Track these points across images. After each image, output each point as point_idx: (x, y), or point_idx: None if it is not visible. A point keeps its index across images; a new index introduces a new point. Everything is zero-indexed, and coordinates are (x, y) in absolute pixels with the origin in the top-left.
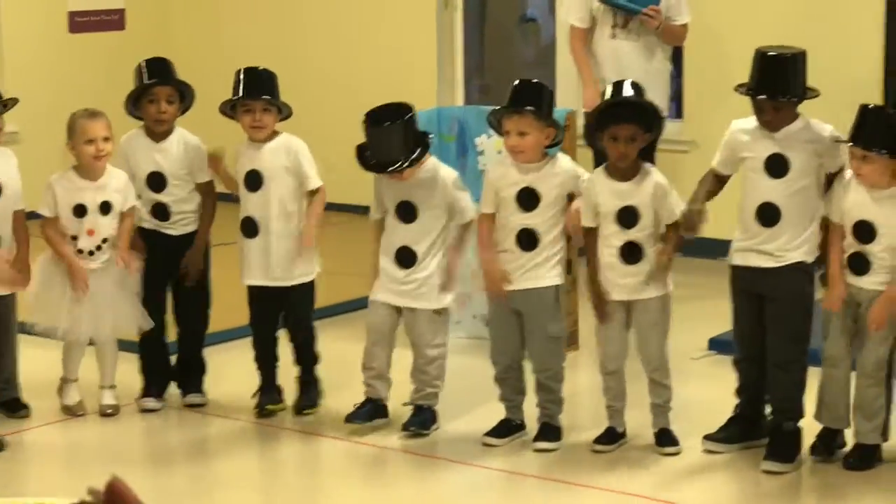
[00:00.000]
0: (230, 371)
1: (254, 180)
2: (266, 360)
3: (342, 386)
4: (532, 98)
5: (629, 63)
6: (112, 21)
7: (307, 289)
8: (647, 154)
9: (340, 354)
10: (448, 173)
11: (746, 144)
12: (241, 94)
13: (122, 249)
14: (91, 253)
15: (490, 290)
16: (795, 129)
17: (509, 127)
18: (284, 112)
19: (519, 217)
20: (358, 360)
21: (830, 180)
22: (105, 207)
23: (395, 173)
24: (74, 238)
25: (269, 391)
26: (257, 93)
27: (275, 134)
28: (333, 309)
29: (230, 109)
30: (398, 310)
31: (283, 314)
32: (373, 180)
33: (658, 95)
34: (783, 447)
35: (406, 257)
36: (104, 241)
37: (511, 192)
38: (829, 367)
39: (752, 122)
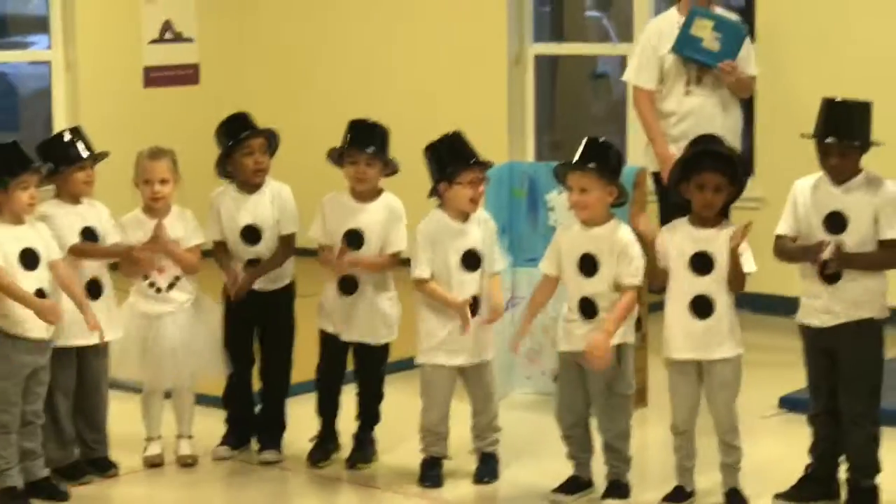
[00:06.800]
0: (311, 422)
1: (355, 239)
2: (330, 409)
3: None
4: (597, 156)
5: (708, 119)
6: (187, 76)
7: (385, 349)
8: (722, 211)
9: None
10: None
11: (807, 200)
12: (349, 144)
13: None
14: (168, 289)
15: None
16: (857, 184)
17: (572, 183)
18: (390, 167)
19: (581, 283)
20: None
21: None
22: None
23: None
24: (145, 277)
25: (327, 441)
26: (363, 145)
27: (379, 191)
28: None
29: (338, 158)
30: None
31: (355, 370)
32: None
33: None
34: None
35: None
36: (177, 278)
37: (574, 256)
38: None
39: (811, 179)
